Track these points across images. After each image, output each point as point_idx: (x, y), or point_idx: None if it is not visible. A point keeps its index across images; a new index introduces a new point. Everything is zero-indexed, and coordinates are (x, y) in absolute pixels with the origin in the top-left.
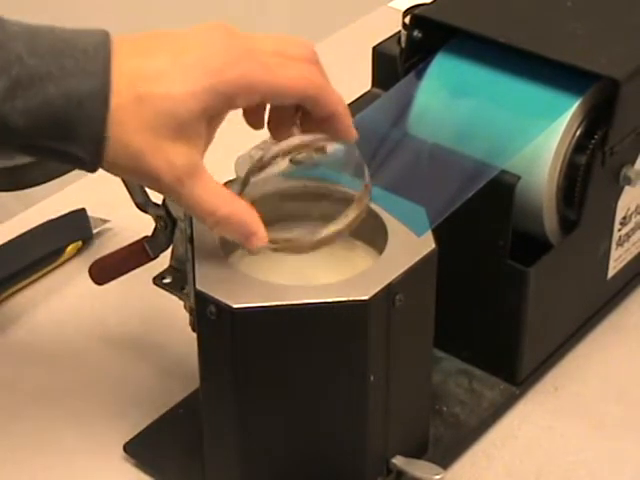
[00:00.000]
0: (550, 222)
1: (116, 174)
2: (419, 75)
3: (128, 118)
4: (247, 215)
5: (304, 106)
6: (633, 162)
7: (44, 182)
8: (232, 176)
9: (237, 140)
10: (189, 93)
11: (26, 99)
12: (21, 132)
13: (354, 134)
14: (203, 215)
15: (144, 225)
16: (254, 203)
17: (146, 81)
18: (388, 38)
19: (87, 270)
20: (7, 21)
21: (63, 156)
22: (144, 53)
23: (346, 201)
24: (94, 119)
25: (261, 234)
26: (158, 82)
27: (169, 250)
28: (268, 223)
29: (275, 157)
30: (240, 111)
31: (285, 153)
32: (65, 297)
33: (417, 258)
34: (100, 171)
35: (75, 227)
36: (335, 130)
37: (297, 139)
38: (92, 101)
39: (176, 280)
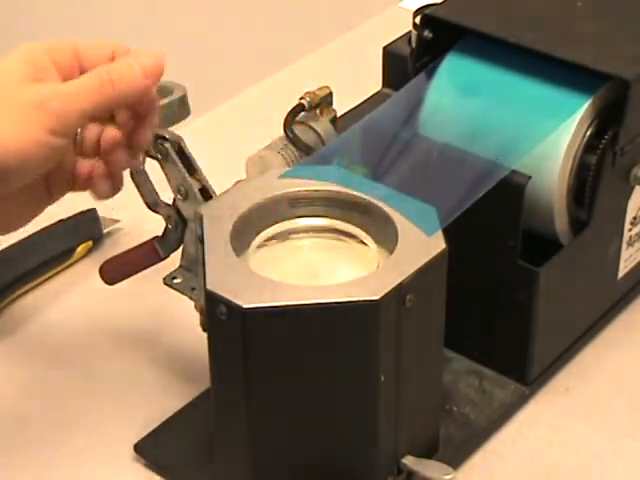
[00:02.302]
0: (560, 222)
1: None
2: (429, 75)
3: None
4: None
5: None
6: None
7: None
8: (242, 176)
9: (247, 141)
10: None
11: None
12: None
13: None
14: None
15: (154, 225)
16: (262, 206)
17: None
18: (398, 38)
19: (97, 270)
20: None
21: None
22: None
23: (358, 207)
24: None
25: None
26: None
27: (179, 250)
28: (277, 229)
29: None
30: (250, 113)
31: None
32: (75, 297)
33: (427, 258)
34: None
35: (85, 227)
36: None
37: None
38: None
39: (186, 280)
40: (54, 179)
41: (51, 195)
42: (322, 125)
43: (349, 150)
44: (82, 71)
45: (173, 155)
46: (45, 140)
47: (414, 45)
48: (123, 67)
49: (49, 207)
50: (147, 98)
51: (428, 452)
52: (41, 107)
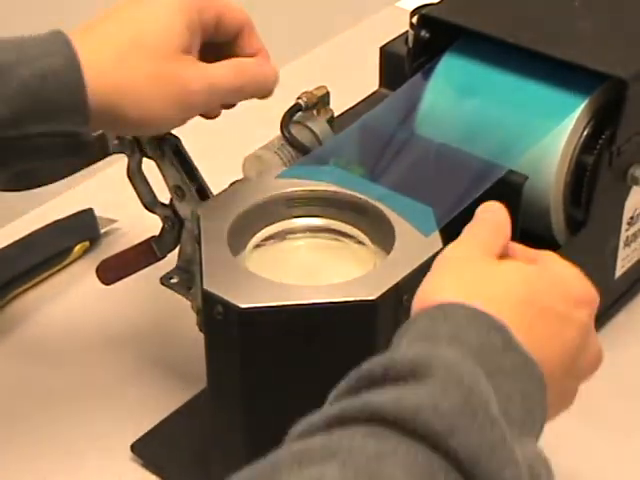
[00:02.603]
0: (557, 222)
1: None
2: (426, 75)
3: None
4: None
5: None
6: None
7: (52, 182)
8: (240, 176)
9: (244, 141)
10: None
11: (3, 86)
12: (9, 122)
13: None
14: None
15: (151, 225)
16: (259, 206)
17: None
18: (395, 38)
19: (94, 270)
20: None
21: (56, 137)
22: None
23: (354, 207)
24: (72, 87)
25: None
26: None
27: (176, 250)
28: (274, 229)
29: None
30: (249, 113)
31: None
32: (72, 297)
33: (424, 258)
34: (107, 172)
35: (83, 227)
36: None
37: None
38: (65, 72)
39: (183, 280)
40: None
41: None
42: (319, 125)
43: (346, 150)
44: (216, 30)
45: (170, 155)
46: (178, 115)
47: (411, 45)
48: (260, 75)
49: (46, 207)
50: None
51: None
52: (186, 86)
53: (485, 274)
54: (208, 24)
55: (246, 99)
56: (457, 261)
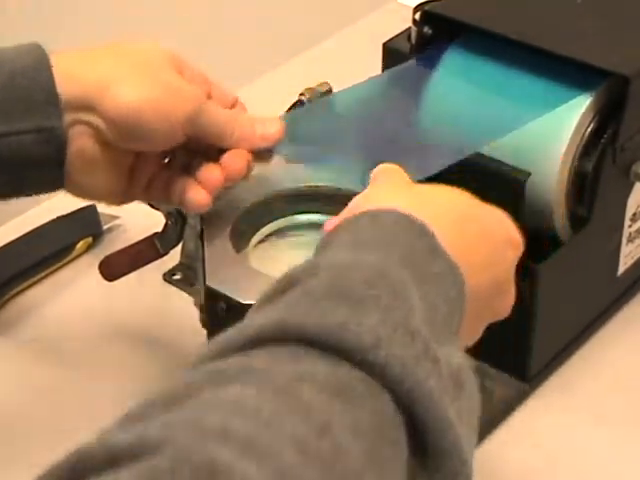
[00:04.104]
0: (560, 219)
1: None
2: (430, 71)
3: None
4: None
5: None
6: None
7: None
8: None
9: None
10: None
11: None
12: None
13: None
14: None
15: (154, 221)
16: (262, 203)
17: None
18: (398, 34)
19: (97, 266)
20: None
21: (34, 134)
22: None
23: None
24: (42, 82)
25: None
26: None
27: (179, 247)
28: (277, 226)
29: None
30: (251, 109)
31: None
32: (75, 293)
33: None
34: None
35: (85, 223)
36: None
37: None
38: (35, 69)
39: (186, 276)
40: (138, 171)
41: (129, 188)
42: None
43: (348, 143)
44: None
45: None
46: (162, 121)
47: (414, 41)
48: (247, 126)
49: (49, 203)
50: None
51: None
52: (179, 94)
53: (423, 191)
54: (195, 80)
55: (209, 142)
56: (390, 185)
